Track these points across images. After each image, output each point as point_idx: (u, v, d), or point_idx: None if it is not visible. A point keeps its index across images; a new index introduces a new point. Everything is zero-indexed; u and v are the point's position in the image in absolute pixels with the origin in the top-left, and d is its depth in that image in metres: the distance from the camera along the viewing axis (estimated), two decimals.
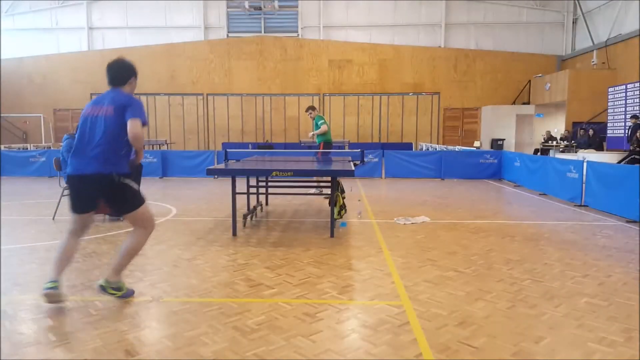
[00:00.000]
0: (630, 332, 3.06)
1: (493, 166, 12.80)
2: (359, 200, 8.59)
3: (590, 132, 14.49)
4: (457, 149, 14.57)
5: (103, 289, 3.51)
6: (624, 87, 14.06)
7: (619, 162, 10.39)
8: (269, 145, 19.20)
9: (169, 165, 13.42)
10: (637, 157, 10.42)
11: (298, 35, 21.43)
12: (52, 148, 16.35)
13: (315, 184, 8.40)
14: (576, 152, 13.46)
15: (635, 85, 13.42)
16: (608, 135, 14.81)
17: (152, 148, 17.43)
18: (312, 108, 9.88)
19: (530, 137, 19.75)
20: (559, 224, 6.75)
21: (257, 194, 7.87)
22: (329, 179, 6.14)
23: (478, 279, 4.15)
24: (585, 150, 12.99)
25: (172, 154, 13.79)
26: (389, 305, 3.51)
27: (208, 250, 5.15)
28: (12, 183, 11.86)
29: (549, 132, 17.36)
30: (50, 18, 21.76)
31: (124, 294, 3.59)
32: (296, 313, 3.36)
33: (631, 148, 11.31)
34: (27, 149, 16.72)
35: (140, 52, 21.29)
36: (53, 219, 6.92)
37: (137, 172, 3.91)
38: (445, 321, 3.22)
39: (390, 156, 13.25)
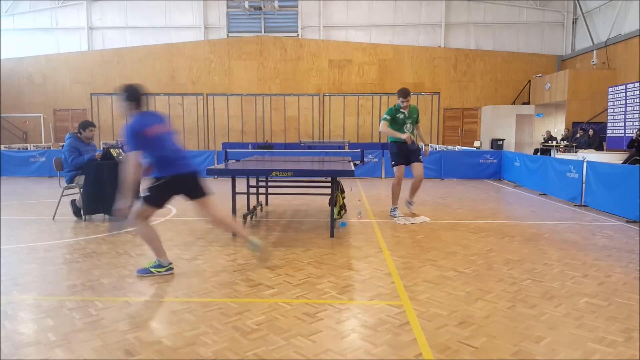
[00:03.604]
0: (630, 332, 3.06)
1: (493, 166, 12.80)
2: (359, 200, 8.60)
3: (590, 132, 14.50)
4: (457, 149, 14.56)
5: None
6: (624, 87, 14.05)
7: (624, 161, 10.35)
8: (269, 145, 19.20)
9: None
10: (638, 157, 10.42)
11: (298, 35, 21.42)
12: (52, 148, 16.34)
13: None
14: (576, 152, 13.46)
15: (635, 85, 13.41)
16: (608, 135, 14.81)
17: None
18: (408, 93, 6.86)
19: (530, 137, 19.75)
20: (559, 224, 6.75)
21: (257, 194, 7.87)
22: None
23: (478, 279, 4.14)
24: (585, 150, 12.99)
25: None
26: (389, 305, 3.51)
27: (208, 250, 5.15)
28: (12, 183, 11.85)
29: (549, 132, 17.38)
30: (50, 18, 21.75)
31: None
32: (296, 313, 3.36)
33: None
34: (27, 149, 16.70)
35: (140, 52, 21.32)
36: (53, 219, 6.92)
37: None
38: (445, 321, 3.22)
39: None
